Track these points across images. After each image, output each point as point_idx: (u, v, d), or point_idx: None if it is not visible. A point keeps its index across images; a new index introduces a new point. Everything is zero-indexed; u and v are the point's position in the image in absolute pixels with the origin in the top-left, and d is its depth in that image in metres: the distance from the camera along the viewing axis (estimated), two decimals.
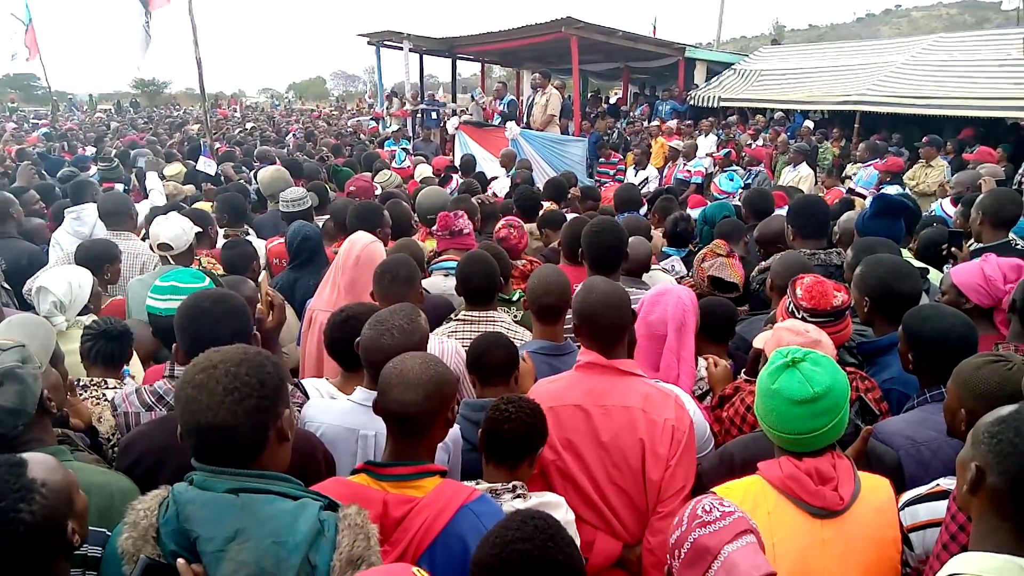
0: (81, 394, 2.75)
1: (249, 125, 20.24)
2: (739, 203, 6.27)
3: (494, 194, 7.48)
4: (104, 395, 2.76)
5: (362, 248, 3.50)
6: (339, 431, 2.35)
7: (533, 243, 5.26)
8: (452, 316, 3.39)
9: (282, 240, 5.01)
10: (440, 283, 4.00)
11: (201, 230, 4.52)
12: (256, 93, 62.33)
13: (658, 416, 2.33)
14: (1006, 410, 1.59)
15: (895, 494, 2.03)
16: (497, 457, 2.23)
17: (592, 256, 3.48)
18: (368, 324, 2.36)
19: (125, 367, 3.06)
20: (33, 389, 1.92)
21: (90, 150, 13.75)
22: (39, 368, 2.03)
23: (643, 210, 6.65)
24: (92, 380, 2.88)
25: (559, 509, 2.15)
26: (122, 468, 2.12)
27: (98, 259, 4.04)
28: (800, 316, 2.69)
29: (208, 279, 2.74)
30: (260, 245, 5.35)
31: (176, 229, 4.13)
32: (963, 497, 1.61)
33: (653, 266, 4.37)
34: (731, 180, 7.49)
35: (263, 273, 3.27)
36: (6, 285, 4.13)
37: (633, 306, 2.94)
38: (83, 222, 5.62)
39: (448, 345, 3.00)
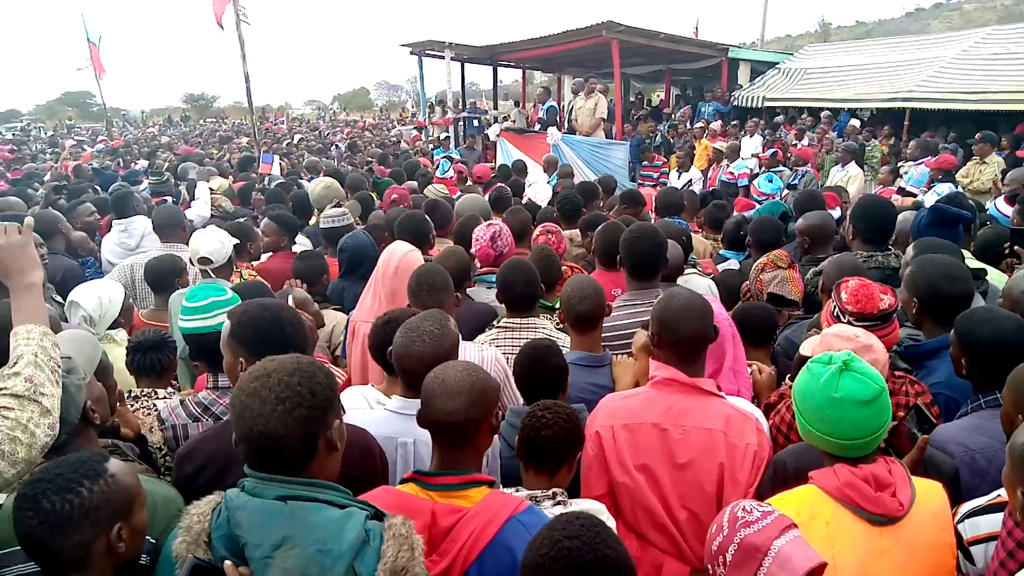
0: (132, 405, 2.83)
1: (297, 138, 20.62)
2: (778, 202, 6.23)
3: (530, 200, 7.48)
4: (155, 405, 2.83)
5: (400, 258, 3.52)
6: (378, 440, 2.36)
7: (575, 250, 5.24)
8: (495, 323, 3.40)
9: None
10: (483, 295, 4.01)
11: (238, 241, 4.61)
12: (302, 105, 63.46)
13: (739, 440, 2.29)
14: None
15: (951, 502, 1.97)
16: (536, 464, 2.23)
17: (631, 263, 3.42)
18: (399, 332, 2.39)
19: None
20: (76, 399, 1.99)
21: (142, 164, 14.13)
22: (83, 379, 2.08)
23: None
24: (143, 391, 2.97)
25: (600, 515, 2.13)
26: (184, 476, 2.15)
27: (167, 274, 4.18)
28: (846, 320, 2.62)
29: (230, 292, 2.82)
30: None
31: (215, 243, 4.20)
32: (1018, 520, 1.58)
33: (689, 270, 4.31)
34: (770, 181, 7.41)
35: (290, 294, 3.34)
36: (58, 298, 4.28)
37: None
38: (130, 234, 5.79)
39: (488, 353, 2.99)
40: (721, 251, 5.17)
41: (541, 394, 2.49)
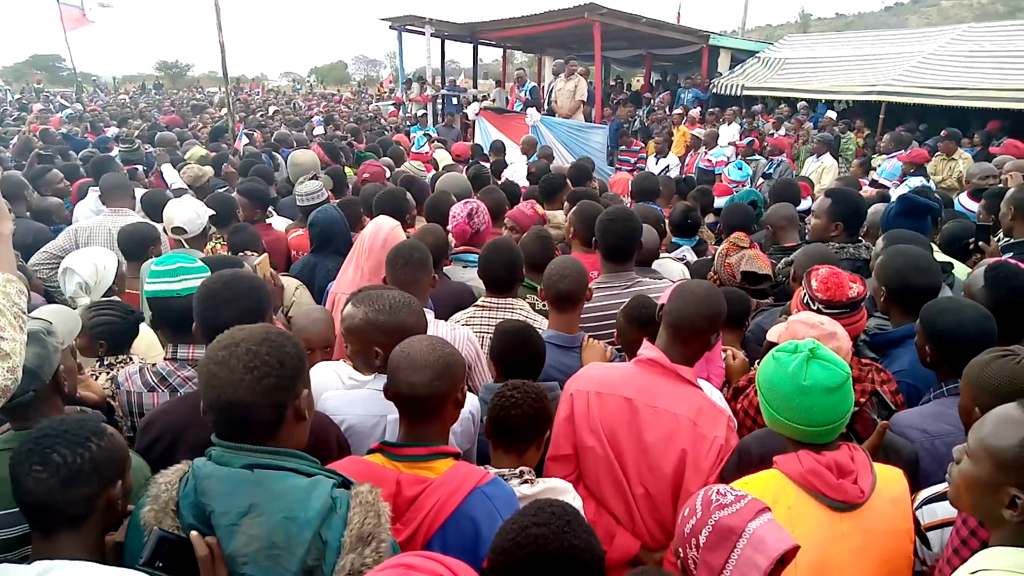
0: (107, 372, 2.82)
1: (272, 110, 20.30)
2: (752, 190, 6.30)
3: (508, 180, 7.45)
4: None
5: (389, 231, 3.51)
6: (365, 419, 2.36)
7: (552, 231, 5.23)
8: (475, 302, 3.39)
9: (301, 232, 5.04)
10: (459, 273, 4.01)
11: (215, 212, 4.57)
12: (278, 77, 62.37)
13: (708, 432, 2.30)
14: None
15: (910, 487, 2.01)
16: (505, 443, 2.24)
17: (606, 245, 3.44)
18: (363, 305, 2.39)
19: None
20: (51, 358, 2.00)
21: (113, 131, 13.85)
22: (61, 343, 2.10)
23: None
24: (117, 358, 2.95)
25: (566, 495, 2.16)
26: (143, 445, 2.16)
27: (142, 241, 4.09)
28: (815, 308, 2.66)
29: (200, 262, 2.78)
30: (283, 225, 5.43)
31: (190, 213, 4.14)
32: (996, 517, 1.57)
33: (663, 254, 4.35)
34: (739, 169, 7.51)
35: (263, 256, 3.28)
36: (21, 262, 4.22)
37: (654, 297, 2.93)
38: None
39: (460, 332, 3.00)
40: (674, 239, 5.23)
41: (519, 374, 2.49)
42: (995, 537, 1.57)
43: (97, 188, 5.72)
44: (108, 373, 2.83)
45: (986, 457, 1.58)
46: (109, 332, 2.98)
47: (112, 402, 2.62)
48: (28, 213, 5.52)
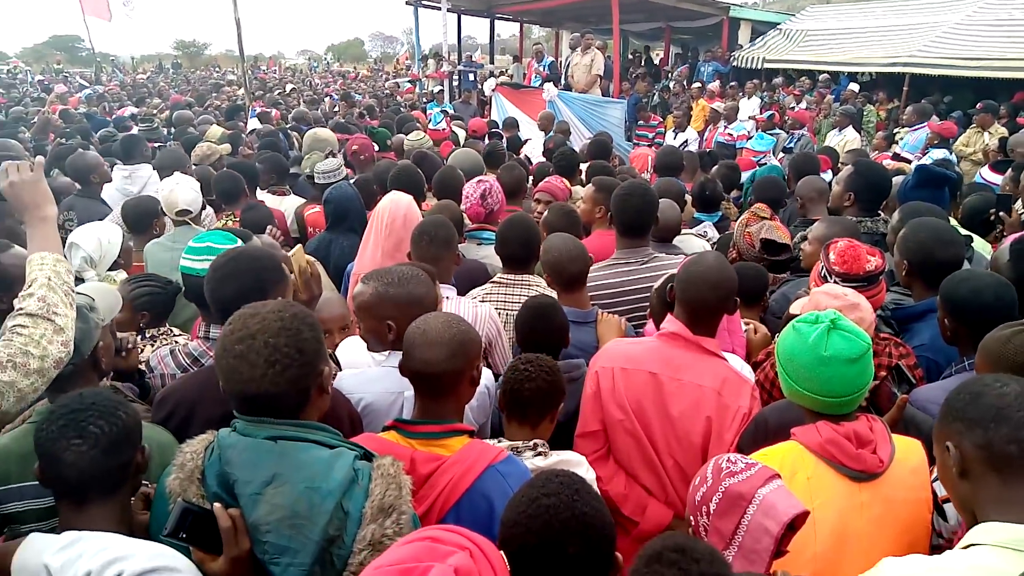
0: (151, 344, 2.89)
1: (288, 87, 20.28)
2: (775, 166, 6.24)
3: (527, 157, 7.39)
4: (176, 342, 2.88)
5: (408, 207, 3.51)
6: (382, 397, 2.36)
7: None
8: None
9: (317, 209, 5.04)
10: (473, 251, 3.99)
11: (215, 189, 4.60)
12: (295, 55, 62.09)
13: (732, 402, 2.33)
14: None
15: (930, 462, 2.00)
16: (519, 416, 2.26)
17: (620, 220, 3.40)
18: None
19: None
20: (92, 334, 2.08)
21: (131, 110, 13.88)
22: (103, 320, 2.18)
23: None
24: (159, 330, 3.02)
25: (580, 467, 2.18)
26: (157, 420, 2.18)
27: (145, 215, 4.13)
28: (833, 281, 2.64)
29: (239, 240, 2.79)
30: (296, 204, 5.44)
31: (191, 193, 4.12)
32: (965, 495, 1.56)
33: (685, 230, 4.31)
34: (762, 140, 7.44)
35: (297, 246, 3.29)
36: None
37: (672, 272, 2.91)
38: (134, 181, 5.72)
39: (482, 310, 2.99)
40: (696, 214, 5.18)
41: (543, 350, 2.49)
42: (980, 515, 1.55)
43: (126, 168, 5.74)
44: (152, 345, 2.87)
45: (936, 439, 1.62)
46: (151, 303, 3.04)
47: (144, 368, 2.64)
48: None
